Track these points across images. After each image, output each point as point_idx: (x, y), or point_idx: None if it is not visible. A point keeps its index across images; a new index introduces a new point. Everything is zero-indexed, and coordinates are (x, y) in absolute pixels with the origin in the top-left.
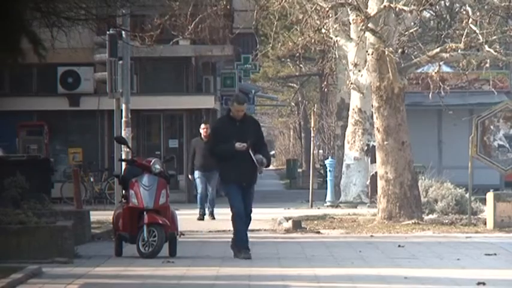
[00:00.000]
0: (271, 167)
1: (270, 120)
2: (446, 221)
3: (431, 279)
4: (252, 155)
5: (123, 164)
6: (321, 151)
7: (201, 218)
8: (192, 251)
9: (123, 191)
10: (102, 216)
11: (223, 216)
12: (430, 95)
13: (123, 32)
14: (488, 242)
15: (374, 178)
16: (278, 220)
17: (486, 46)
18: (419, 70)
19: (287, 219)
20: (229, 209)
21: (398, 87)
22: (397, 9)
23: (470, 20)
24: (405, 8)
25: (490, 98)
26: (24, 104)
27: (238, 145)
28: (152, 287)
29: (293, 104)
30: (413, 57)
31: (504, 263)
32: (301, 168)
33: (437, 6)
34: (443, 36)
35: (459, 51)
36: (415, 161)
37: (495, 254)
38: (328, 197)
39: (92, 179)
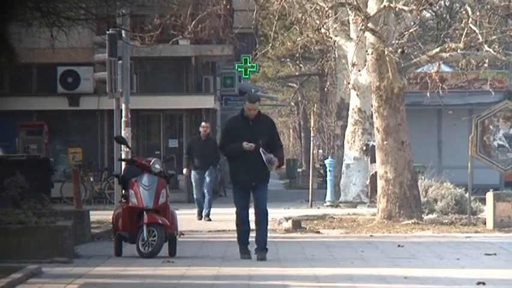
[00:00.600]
0: None
1: None
2: (446, 220)
3: (431, 279)
4: (262, 154)
5: (123, 163)
6: (320, 151)
7: (200, 217)
8: (191, 251)
9: (123, 191)
10: (102, 216)
11: (223, 216)
12: (428, 94)
13: (123, 32)
14: (488, 241)
15: (374, 178)
16: (278, 220)
17: (486, 46)
18: (419, 70)
19: (287, 219)
20: (227, 208)
21: (398, 87)
22: (396, 9)
23: (470, 19)
24: (405, 7)
25: (489, 98)
26: (24, 103)
27: (245, 145)
28: (152, 286)
29: (293, 103)
30: (413, 57)
31: (504, 262)
32: (301, 168)
33: (437, 6)
34: (443, 36)
35: (459, 51)
36: (414, 160)
37: (495, 254)
38: (328, 197)
39: (91, 179)
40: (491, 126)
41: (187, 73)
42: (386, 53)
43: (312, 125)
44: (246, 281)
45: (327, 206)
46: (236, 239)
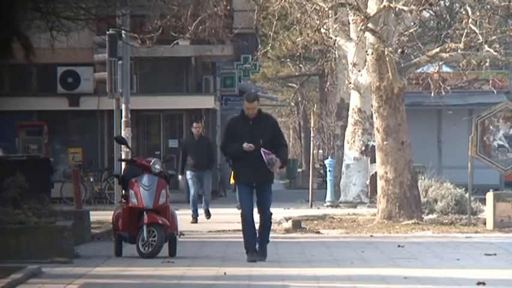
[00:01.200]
0: None
1: None
2: (446, 221)
3: (431, 279)
4: (263, 154)
5: (123, 164)
6: (320, 151)
7: (195, 221)
8: (191, 251)
9: (123, 191)
10: (102, 216)
11: (223, 217)
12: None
13: (123, 32)
14: (488, 242)
15: (374, 178)
16: (278, 220)
17: (486, 46)
18: (419, 70)
19: (287, 219)
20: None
21: (398, 87)
22: (396, 9)
23: (470, 19)
24: (405, 8)
25: (489, 98)
26: (24, 104)
27: (245, 145)
28: (152, 287)
29: (293, 104)
30: (413, 57)
31: (504, 263)
32: (301, 168)
33: (437, 6)
34: (443, 36)
35: (459, 51)
36: (414, 161)
37: (495, 254)
38: (328, 197)
39: (91, 179)
40: (491, 127)
41: (187, 73)
42: (386, 53)
43: (312, 125)
44: (246, 281)
45: (327, 206)
46: (243, 245)
